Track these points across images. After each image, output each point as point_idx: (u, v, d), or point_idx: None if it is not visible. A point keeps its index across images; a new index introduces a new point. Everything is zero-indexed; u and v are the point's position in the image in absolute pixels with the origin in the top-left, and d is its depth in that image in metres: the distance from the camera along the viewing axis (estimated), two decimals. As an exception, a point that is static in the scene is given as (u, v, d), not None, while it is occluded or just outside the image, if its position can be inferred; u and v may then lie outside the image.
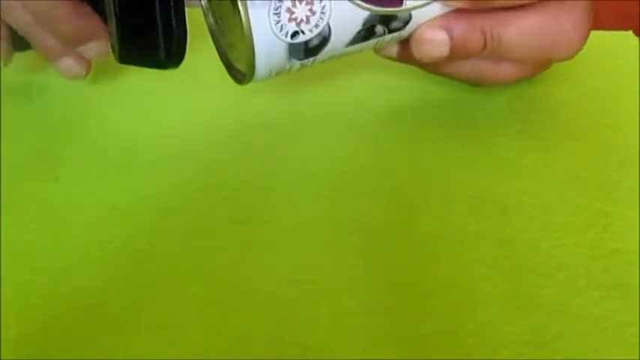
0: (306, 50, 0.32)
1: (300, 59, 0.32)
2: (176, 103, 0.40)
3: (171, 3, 0.33)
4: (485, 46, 0.33)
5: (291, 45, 0.31)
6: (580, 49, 0.35)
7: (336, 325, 0.26)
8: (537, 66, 0.37)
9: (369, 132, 0.37)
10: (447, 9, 0.33)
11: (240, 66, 0.33)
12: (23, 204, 0.32)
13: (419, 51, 0.33)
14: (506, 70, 0.35)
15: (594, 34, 0.35)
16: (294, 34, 0.31)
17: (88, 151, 0.36)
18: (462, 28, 0.33)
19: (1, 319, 0.27)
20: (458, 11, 0.33)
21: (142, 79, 0.41)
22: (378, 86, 0.40)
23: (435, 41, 0.33)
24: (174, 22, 0.33)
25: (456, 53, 0.33)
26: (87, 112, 0.39)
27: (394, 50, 0.35)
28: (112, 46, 0.36)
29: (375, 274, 0.28)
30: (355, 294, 0.27)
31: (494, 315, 0.26)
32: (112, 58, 0.37)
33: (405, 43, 0.34)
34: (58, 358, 0.25)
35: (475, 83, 0.37)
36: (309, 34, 0.31)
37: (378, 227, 0.30)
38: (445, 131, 0.36)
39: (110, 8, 0.34)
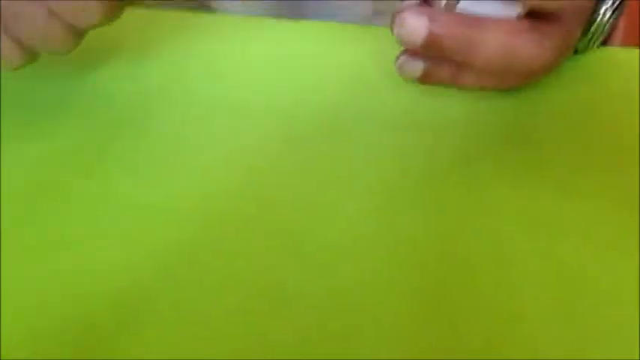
0: None
1: None
2: (225, 107, 0.37)
3: None
4: (456, 48, 0.32)
5: None
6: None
7: (372, 338, 0.25)
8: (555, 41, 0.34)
9: (417, 145, 0.34)
10: None
11: None
12: (68, 198, 0.31)
13: (398, 30, 0.32)
14: (523, 48, 0.33)
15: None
16: None
17: (136, 150, 0.34)
18: (442, 22, 0.31)
19: (39, 313, 0.26)
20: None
21: (193, 80, 0.39)
22: (427, 100, 0.37)
23: (414, 25, 0.31)
24: None
25: (429, 45, 0.32)
26: (135, 109, 0.37)
27: (421, 28, 0.32)
28: None
29: (415, 289, 0.27)
30: (394, 308, 0.26)
31: (539, 336, 0.25)
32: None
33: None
34: (101, 356, 0.25)
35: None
36: None
37: (420, 241, 0.29)
38: (496, 146, 0.34)
39: None
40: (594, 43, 0.38)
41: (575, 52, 0.38)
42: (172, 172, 0.33)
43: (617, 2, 0.35)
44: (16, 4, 0.32)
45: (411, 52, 0.34)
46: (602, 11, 0.36)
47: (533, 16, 0.33)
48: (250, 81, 0.38)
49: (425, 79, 0.34)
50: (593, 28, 0.36)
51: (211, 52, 0.40)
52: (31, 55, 0.34)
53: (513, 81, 0.35)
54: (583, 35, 0.37)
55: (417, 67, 0.34)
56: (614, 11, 0.36)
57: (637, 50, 0.40)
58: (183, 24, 0.37)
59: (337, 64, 0.39)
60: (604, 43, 0.39)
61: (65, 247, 0.29)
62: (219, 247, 0.29)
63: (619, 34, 0.47)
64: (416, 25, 0.31)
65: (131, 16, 0.38)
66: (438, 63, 0.34)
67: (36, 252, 0.29)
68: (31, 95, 0.38)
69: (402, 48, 0.35)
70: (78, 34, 0.34)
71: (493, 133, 0.35)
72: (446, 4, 0.32)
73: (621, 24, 0.47)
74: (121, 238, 0.29)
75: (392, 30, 0.32)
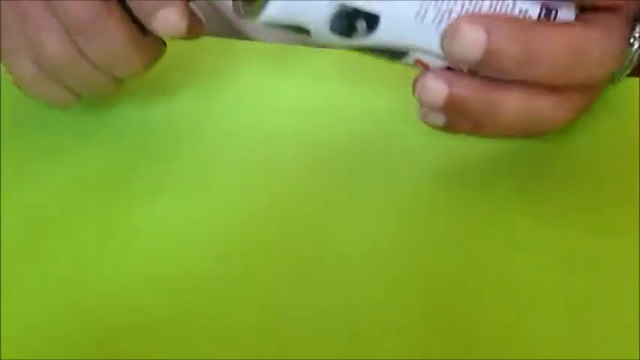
0: None
1: None
2: (246, 134, 0.38)
3: None
4: (519, 61, 0.30)
5: None
6: (616, 67, 0.32)
7: (385, 356, 0.26)
8: (574, 102, 0.33)
9: (434, 171, 0.35)
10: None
11: None
12: (87, 224, 0.32)
13: (449, 44, 0.30)
14: (544, 110, 0.32)
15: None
16: None
17: (159, 176, 0.35)
18: (501, 31, 0.30)
19: (53, 338, 0.27)
20: (501, 16, 0.30)
21: (218, 107, 0.40)
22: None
23: (470, 39, 0.29)
24: None
25: (487, 62, 0.30)
26: (159, 137, 0.38)
27: (441, 92, 0.32)
28: None
29: (432, 321, 0.27)
30: (410, 338, 0.27)
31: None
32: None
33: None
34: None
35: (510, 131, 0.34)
36: None
37: (438, 272, 0.29)
38: (517, 179, 0.34)
39: None
40: (622, 74, 0.37)
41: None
42: (194, 198, 0.33)
43: None
44: (64, 57, 0.33)
45: None
46: (631, 41, 0.35)
47: None
48: (274, 108, 0.39)
49: (447, 129, 0.34)
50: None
51: (236, 80, 0.41)
52: (78, 97, 0.36)
53: (534, 135, 0.35)
54: None
55: (439, 119, 0.34)
56: None
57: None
58: (209, 50, 0.37)
59: (361, 92, 0.39)
60: (632, 74, 0.39)
61: (83, 273, 0.30)
62: (238, 275, 0.29)
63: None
64: (435, 87, 0.31)
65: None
66: (459, 118, 0.34)
67: (53, 278, 0.29)
68: (56, 122, 0.38)
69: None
70: (120, 81, 0.36)
71: (511, 162, 0.35)
72: None
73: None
74: (140, 264, 0.30)
75: (413, 92, 0.32)
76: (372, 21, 0.29)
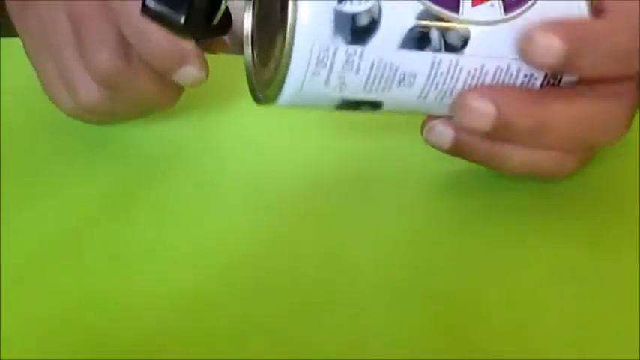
0: (354, 30, 0.28)
1: (347, 42, 0.28)
2: (258, 152, 0.38)
3: None
4: (529, 133, 0.31)
5: (337, 13, 0.28)
6: (626, 132, 0.33)
7: None
8: (580, 156, 0.34)
9: (441, 189, 0.35)
10: (510, 43, 0.30)
11: (272, 62, 0.30)
12: (94, 243, 0.32)
13: (460, 117, 0.31)
14: (547, 163, 0.33)
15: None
16: None
17: (165, 195, 0.35)
18: (513, 105, 0.30)
19: (57, 357, 0.26)
20: (508, 88, 0.31)
21: (224, 123, 0.40)
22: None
23: (480, 112, 0.30)
24: None
25: (497, 132, 0.30)
26: (167, 154, 0.38)
27: (447, 136, 0.32)
28: None
29: (438, 335, 0.27)
30: (417, 354, 0.26)
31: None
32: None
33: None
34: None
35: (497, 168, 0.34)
36: (357, 5, 0.28)
37: (444, 288, 0.29)
38: (522, 196, 0.34)
39: None
40: None
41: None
42: (200, 217, 0.33)
43: None
44: (95, 103, 0.36)
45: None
46: None
47: None
48: (279, 124, 0.39)
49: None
50: None
51: (242, 97, 0.39)
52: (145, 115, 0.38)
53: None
54: None
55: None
56: None
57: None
58: (215, 67, 0.37)
59: (365, 123, 0.39)
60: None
61: (88, 292, 0.29)
62: (245, 294, 0.29)
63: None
64: (442, 132, 0.32)
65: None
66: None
67: (57, 296, 0.29)
68: (66, 140, 0.39)
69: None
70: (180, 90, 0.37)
71: (516, 178, 0.34)
72: None
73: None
74: (146, 283, 0.30)
75: (421, 131, 0.33)
76: (376, 105, 0.31)
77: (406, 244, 0.32)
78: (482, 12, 0.30)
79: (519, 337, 0.27)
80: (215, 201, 0.34)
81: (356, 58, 0.29)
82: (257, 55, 0.32)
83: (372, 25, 0.29)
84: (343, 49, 0.29)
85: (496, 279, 0.30)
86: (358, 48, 0.29)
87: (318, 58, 0.29)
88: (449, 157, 0.34)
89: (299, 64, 0.28)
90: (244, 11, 0.32)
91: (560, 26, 0.30)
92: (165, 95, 0.36)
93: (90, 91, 0.35)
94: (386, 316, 0.28)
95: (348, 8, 0.28)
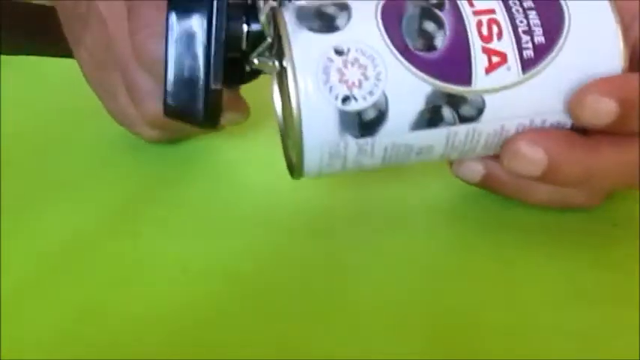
0: (362, 124, 0.28)
1: (356, 136, 0.28)
2: (263, 169, 0.38)
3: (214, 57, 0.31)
4: (578, 180, 0.30)
5: (342, 112, 0.28)
6: None
7: None
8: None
9: (444, 213, 0.35)
10: (531, 101, 0.29)
11: (291, 146, 0.30)
12: (99, 260, 0.32)
13: (509, 162, 0.30)
14: (575, 198, 0.33)
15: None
16: (345, 98, 0.28)
17: (167, 210, 0.35)
18: (563, 155, 0.29)
19: None
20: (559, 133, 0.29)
21: (229, 140, 0.40)
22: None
23: (530, 159, 0.29)
24: (212, 78, 0.32)
25: (545, 178, 0.30)
26: (169, 170, 0.39)
27: (477, 172, 0.32)
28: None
29: (443, 357, 0.27)
30: None
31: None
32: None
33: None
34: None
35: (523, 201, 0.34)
36: (362, 102, 0.28)
37: (445, 310, 0.29)
38: (524, 213, 0.34)
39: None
40: None
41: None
42: (203, 233, 0.34)
43: None
44: (153, 138, 0.38)
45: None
46: None
47: None
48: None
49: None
50: None
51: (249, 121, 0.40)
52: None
53: None
54: None
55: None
56: None
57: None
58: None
59: None
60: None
61: (91, 304, 0.30)
62: (247, 314, 0.29)
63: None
64: (472, 167, 0.32)
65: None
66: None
67: (62, 306, 0.29)
68: (69, 155, 0.39)
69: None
70: None
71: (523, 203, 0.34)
72: None
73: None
74: (146, 296, 0.30)
75: (450, 165, 0.33)
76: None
77: (408, 263, 0.32)
78: (497, 78, 0.29)
79: (521, 356, 0.27)
80: (218, 217, 0.35)
81: (368, 147, 0.29)
82: (283, 132, 0.32)
83: (380, 116, 0.28)
84: (353, 141, 0.29)
85: (497, 298, 0.30)
86: (369, 139, 0.29)
87: (330, 152, 0.29)
88: (455, 180, 0.34)
89: (312, 158, 0.29)
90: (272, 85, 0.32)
91: (610, 85, 0.28)
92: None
93: (148, 133, 0.38)
94: (387, 335, 0.28)
95: (353, 106, 0.28)
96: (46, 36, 0.46)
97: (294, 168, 0.30)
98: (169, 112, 0.33)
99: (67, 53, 0.41)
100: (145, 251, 0.32)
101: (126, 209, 0.35)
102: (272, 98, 0.32)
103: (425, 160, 0.31)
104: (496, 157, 0.31)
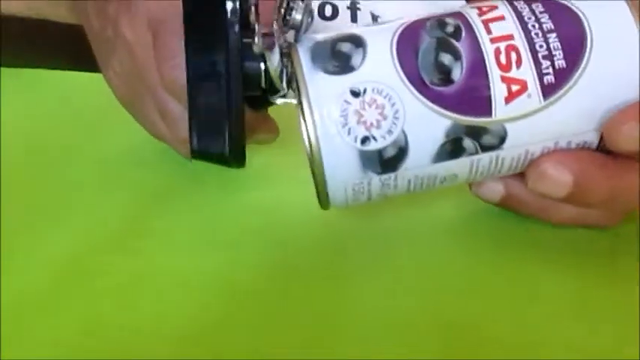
0: (382, 162, 0.28)
1: (378, 173, 0.28)
2: (269, 184, 0.38)
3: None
4: (603, 200, 0.30)
5: (362, 152, 0.28)
6: None
7: None
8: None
9: (452, 224, 0.35)
10: (554, 125, 0.28)
11: (317, 181, 0.30)
12: (101, 272, 0.32)
13: (534, 183, 0.30)
14: (596, 218, 0.32)
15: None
16: (365, 139, 0.28)
17: (173, 224, 0.35)
18: (589, 176, 0.29)
19: None
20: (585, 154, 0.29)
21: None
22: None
23: (556, 181, 0.29)
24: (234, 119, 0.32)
25: (571, 199, 0.30)
26: (175, 184, 0.39)
27: (497, 192, 0.32)
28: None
29: None
30: None
31: None
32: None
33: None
34: None
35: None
36: (381, 141, 0.28)
37: (453, 326, 0.29)
38: (532, 229, 0.34)
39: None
40: None
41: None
42: (209, 248, 0.33)
43: None
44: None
45: None
46: None
47: None
48: (288, 149, 0.37)
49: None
50: None
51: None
52: None
53: None
54: None
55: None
56: None
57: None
58: None
59: None
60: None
61: (97, 317, 0.29)
62: (248, 325, 0.29)
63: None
64: (493, 188, 0.32)
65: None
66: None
67: (67, 319, 0.29)
68: (76, 169, 0.40)
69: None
70: None
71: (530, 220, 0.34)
72: None
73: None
74: (152, 310, 0.30)
75: (470, 186, 0.33)
76: None
77: (416, 278, 0.32)
78: (518, 106, 0.28)
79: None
80: (224, 232, 0.34)
81: (391, 182, 0.29)
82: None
83: (400, 153, 0.28)
84: (376, 178, 0.29)
85: (505, 312, 0.30)
86: (391, 174, 0.29)
87: (354, 189, 0.29)
88: (460, 194, 0.34)
89: (337, 195, 0.29)
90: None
91: None
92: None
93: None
94: (395, 351, 0.28)
95: (373, 146, 0.28)
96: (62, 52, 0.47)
97: (321, 201, 0.30)
98: (196, 155, 0.34)
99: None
100: (147, 265, 0.32)
101: (128, 223, 0.35)
102: (299, 127, 0.32)
103: (450, 186, 0.31)
104: (516, 176, 0.31)
